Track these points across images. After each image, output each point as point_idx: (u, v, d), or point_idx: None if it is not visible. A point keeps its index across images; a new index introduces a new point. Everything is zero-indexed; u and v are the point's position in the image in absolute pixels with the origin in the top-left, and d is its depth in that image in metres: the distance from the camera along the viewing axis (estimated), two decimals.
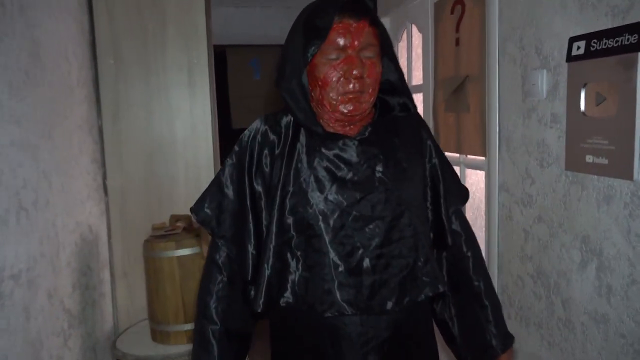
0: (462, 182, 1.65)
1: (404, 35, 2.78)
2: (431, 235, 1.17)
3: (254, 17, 3.79)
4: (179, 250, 1.70)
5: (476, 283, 1.18)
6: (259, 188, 1.04)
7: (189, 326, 1.70)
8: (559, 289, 1.54)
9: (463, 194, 1.23)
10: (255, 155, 1.03)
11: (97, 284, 1.80)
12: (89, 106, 1.82)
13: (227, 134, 2.81)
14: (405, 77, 2.23)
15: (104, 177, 1.98)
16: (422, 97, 2.58)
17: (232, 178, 1.05)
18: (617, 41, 1.26)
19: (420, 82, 2.60)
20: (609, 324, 1.19)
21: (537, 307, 1.63)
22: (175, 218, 1.91)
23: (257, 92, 4.34)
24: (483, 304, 1.18)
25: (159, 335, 1.72)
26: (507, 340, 1.19)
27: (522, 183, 1.66)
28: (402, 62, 2.77)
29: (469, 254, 1.18)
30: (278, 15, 3.83)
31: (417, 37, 2.64)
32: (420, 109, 2.54)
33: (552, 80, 1.50)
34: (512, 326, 1.71)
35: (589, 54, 1.34)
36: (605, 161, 1.31)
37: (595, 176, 1.35)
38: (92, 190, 1.80)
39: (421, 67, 2.58)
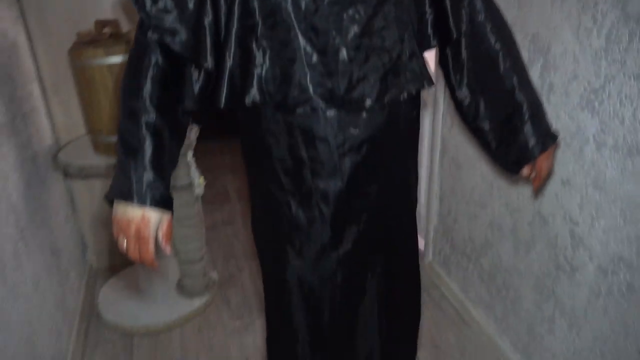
0: None
1: None
2: (431, 29, 1.03)
3: None
4: (109, 58, 1.57)
5: (507, 81, 1.05)
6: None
7: None
8: None
9: None
10: None
11: (26, 96, 1.68)
12: None
13: None
14: None
15: None
16: None
17: None
18: None
19: None
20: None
21: None
22: (101, 24, 1.72)
23: None
24: (517, 103, 1.05)
25: (101, 147, 1.68)
26: (547, 138, 1.08)
27: None
28: None
29: (497, 45, 1.03)
30: None
31: None
32: None
33: None
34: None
35: None
36: None
37: None
38: None
39: None
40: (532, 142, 1.05)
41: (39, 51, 1.86)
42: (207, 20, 0.89)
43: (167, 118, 0.90)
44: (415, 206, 1.21)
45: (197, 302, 2.03)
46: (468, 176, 1.80)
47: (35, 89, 1.81)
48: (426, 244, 2.19)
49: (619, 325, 1.22)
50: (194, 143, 1.78)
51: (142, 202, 0.86)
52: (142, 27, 0.89)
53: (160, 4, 0.86)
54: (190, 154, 1.80)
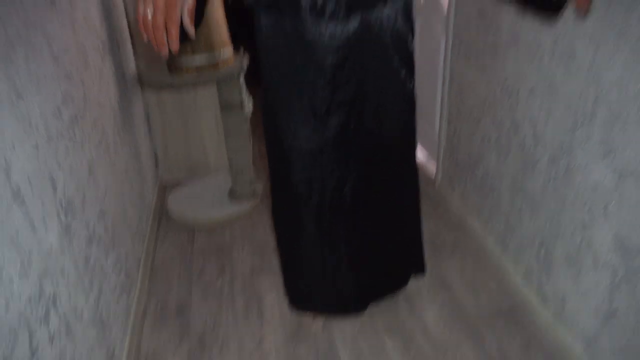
0: None
1: None
2: None
3: None
4: None
5: None
6: None
7: (196, 59, 2.10)
8: None
9: None
10: None
11: (120, 27, 2.17)
12: None
13: None
14: None
15: None
16: None
17: None
18: None
19: None
20: None
21: None
22: None
23: None
24: None
25: (173, 68, 2.14)
26: None
27: None
28: None
29: None
30: None
31: None
32: None
33: None
34: None
35: None
36: None
37: None
38: None
39: None
40: None
41: None
42: None
43: None
44: (413, 101, 1.50)
45: (245, 206, 2.50)
46: (468, 97, 2.15)
47: (123, 20, 2.30)
48: (437, 166, 2.56)
49: (560, 200, 1.57)
50: (245, 68, 2.22)
51: None
52: None
53: None
54: (242, 77, 2.24)
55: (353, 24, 1.29)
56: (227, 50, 2.15)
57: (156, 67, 2.29)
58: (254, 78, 1.52)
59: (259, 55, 1.39)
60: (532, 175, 1.72)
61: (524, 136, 1.74)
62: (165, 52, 0.87)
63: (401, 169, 1.60)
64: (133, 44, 2.43)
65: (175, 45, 0.86)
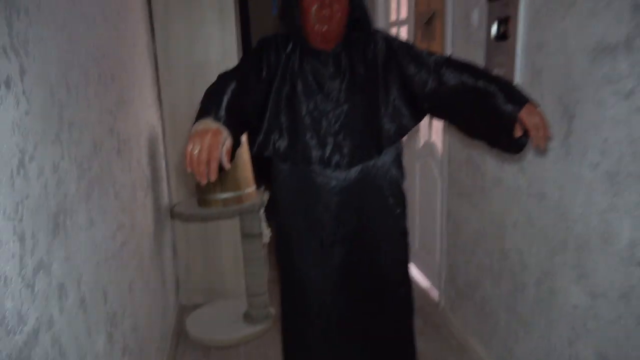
0: None
1: None
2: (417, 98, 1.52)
3: None
4: None
5: (476, 84, 1.40)
6: (264, 67, 1.47)
7: (224, 195, 2.42)
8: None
9: (431, 55, 1.52)
10: (272, 51, 1.50)
11: (158, 167, 2.53)
12: (148, 38, 2.48)
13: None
14: (395, 12, 2.98)
15: (159, 92, 2.67)
16: (407, 29, 3.14)
17: (259, 51, 1.50)
18: None
19: (406, 16, 3.14)
20: None
21: None
22: None
23: (274, 26, 4.90)
24: (485, 91, 1.38)
25: (203, 202, 2.46)
26: (522, 100, 1.32)
27: None
28: (393, 0, 3.31)
29: (459, 77, 1.45)
30: None
31: None
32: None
33: (480, 15, 2.08)
34: None
35: None
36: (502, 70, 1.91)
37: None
38: (152, 101, 2.49)
39: (407, 4, 3.12)
40: (509, 108, 1.32)
41: (167, 138, 2.75)
42: (258, 98, 1.47)
43: (241, 96, 1.32)
44: (404, 235, 1.69)
45: (259, 327, 2.65)
46: (464, 230, 2.40)
47: (162, 163, 2.67)
48: (440, 293, 2.73)
49: (548, 320, 1.74)
50: (265, 202, 2.52)
51: (218, 120, 1.17)
52: (234, 71, 1.40)
53: (250, 70, 1.45)
54: (261, 211, 2.54)
55: (354, 172, 1.57)
56: (250, 187, 2.48)
57: (188, 201, 2.61)
58: (271, 211, 1.82)
59: (276, 194, 1.65)
60: (523, 297, 1.90)
61: (513, 263, 1.96)
62: (204, 181, 1.09)
63: (397, 292, 1.73)
64: (168, 181, 2.78)
65: (213, 176, 1.09)
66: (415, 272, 3.22)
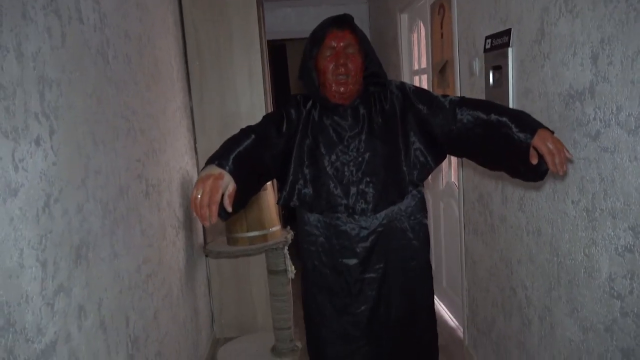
0: None
1: (415, 29, 3.49)
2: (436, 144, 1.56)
3: (307, 15, 4.61)
4: None
5: (489, 118, 1.43)
6: (285, 123, 1.54)
7: (249, 234, 2.61)
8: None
9: (443, 98, 1.55)
10: (292, 108, 1.59)
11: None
12: (184, 93, 2.78)
13: None
14: (416, 61, 3.21)
15: (195, 141, 2.95)
16: (426, 77, 3.30)
17: (281, 109, 1.60)
18: (501, 40, 1.96)
19: (425, 65, 3.31)
20: None
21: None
22: None
23: None
24: (499, 123, 1.40)
25: (231, 240, 2.66)
26: (535, 126, 1.34)
27: None
28: (415, 50, 3.50)
29: (473, 113, 1.47)
30: (327, 12, 4.63)
31: (422, 30, 3.35)
32: (424, 86, 3.28)
33: (480, 65, 2.21)
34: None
35: (491, 48, 2.05)
36: None
37: None
38: (187, 149, 2.76)
39: (425, 54, 3.30)
40: (522, 136, 1.34)
41: None
42: (279, 150, 1.52)
43: (258, 148, 1.42)
44: (429, 279, 1.68)
45: None
46: (479, 268, 2.44)
47: None
48: (463, 333, 2.75)
49: (551, 354, 1.76)
50: (289, 241, 2.69)
51: (221, 166, 1.26)
52: (256, 125, 1.50)
53: (271, 125, 1.52)
54: (286, 249, 2.70)
55: (379, 217, 1.58)
56: (275, 227, 2.66)
57: (219, 240, 2.83)
58: (296, 248, 1.85)
59: (302, 243, 1.67)
60: (530, 333, 1.93)
61: (520, 299, 1.99)
62: (206, 224, 1.20)
63: (422, 339, 1.71)
64: None
65: (214, 219, 1.20)
66: (442, 310, 3.24)
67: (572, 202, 1.55)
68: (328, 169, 1.56)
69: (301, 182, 1.58)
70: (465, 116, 1.49)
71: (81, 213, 1.32)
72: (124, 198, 1.66)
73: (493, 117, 1.42)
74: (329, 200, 1.57)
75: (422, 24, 3.24)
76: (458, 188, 2.69)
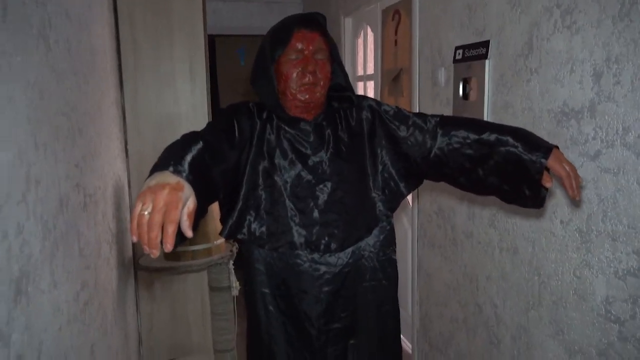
0: None
1: (361, 34, 3.41)
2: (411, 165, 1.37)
3: (239, 10, 4.37)
4: None
5: (484, 137, 1.26)
6: (237, 133, 1.27)
7: (193, 247, 2.34)
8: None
9: (418, 114, 1.40)
10: (244, 117, 1.32)
11: (123, 219, 2.44)
12: (116, 89, 2.44)
13: (216, 111, 3.43)
14: (361, 67, 3.04)
15: (126, 143, 2.61)
16: (373, 84, 3.22)
17: (230, 117, 1.30)
18: (476, 51, 1.91)
19: (372, 72, 3.24)
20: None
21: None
22: None
23: (242, 77, 4.94)
24: (498, 142, 1.24)
25: (170, 255, 2.37)
26: (546, 144, 1.19)
27: None
28: (359, 56, 3.41)
29: (460, 133, 1.30)
30: (260, 9, 4.42)
31: (370, 36, 3.27)
32: (371, 93, 3.20)
33: (446, 75, 2.15)
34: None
35: (463, 59, 2.00)
36: None
37: None
38: (119, 152, 2.43)
39: (373, 60, 3.22)
40: (533, 157, 1.17)
41: (133, 190, 2.67)
42: (230, 166, 1.24)
43: (207, 160, 1.07)
44: (398, 321, 1.48)
45: None
46: (436, 282, 2.39)
47: (127, 214, 2.58)
48: (412, 347, 2.68)
49: None
50: (234, 255, 2.46)
51: (179, 173, 0.92)
52: (205, 132, 1.16)
53: (220, 133, 1.22)
54: (230, 263, 2.46)
55: (344, 255, 1.35)
56: (220, 240, 2.41)
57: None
58: (242, 263, 1.56)
59: (249, 280, 1.41)
60: (499, 352, 1.88)
61: (487, 317, 1.95)
62: (155, 254, 0.82)
63: None
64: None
65: (170, 245, 0.81)
66: None
67: (562, 222, 1.51)
68: (287, 195, 1.31)
69: (252, 210, 1.32)
70: (450, 137, 1.31)
71: (21, 235, 1.03)
72: (64, 212, 1.36)
73: (491, 136, 1.25)
74: (287, 234, 1.31)
75: (370, 29, 3.17)
76: (412, 199, 2.62)
